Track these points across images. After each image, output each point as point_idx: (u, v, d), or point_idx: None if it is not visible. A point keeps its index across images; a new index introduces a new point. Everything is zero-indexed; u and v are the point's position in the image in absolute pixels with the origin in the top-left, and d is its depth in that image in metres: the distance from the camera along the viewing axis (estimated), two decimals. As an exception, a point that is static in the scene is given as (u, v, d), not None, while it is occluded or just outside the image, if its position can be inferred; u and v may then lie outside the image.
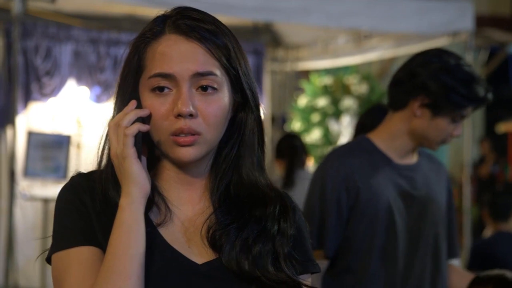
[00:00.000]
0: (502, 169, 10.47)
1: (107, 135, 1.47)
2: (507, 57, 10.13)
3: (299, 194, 3.14)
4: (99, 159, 1.49)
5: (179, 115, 1.42)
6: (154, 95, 1.44)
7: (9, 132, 6.25)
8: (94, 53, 6.95)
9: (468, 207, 6.68)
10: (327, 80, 8.45)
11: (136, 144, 1.42)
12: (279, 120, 8.54)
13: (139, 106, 1.45)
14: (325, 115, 8.27)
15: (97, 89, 6.99)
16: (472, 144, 8.10)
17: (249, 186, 1.49)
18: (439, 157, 3.37)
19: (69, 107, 6.96)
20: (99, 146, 1.49)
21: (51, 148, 6.90)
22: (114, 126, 1.43)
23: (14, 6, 5.43)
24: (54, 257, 1.43)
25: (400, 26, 6.27)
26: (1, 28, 6.58)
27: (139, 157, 1.42)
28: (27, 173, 6.80)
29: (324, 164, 2.71)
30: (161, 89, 1.44)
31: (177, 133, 1.42)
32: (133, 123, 1.42)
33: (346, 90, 8.33)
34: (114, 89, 1.50)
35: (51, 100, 6.89)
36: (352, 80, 8.39)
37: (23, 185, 6.68)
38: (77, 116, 6.99)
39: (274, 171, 6.13)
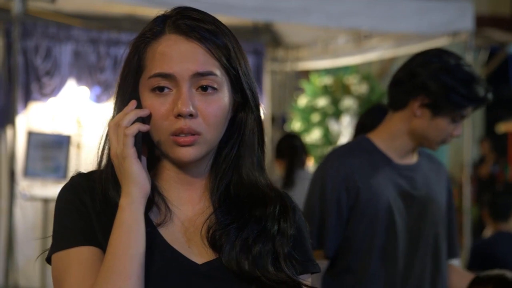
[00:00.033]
0: (502, 169, 10.47)
1: (107, 135, 1.47)
2: (507, 57, 10.13)
3: (299, 194, 3.14)
4: (99, 159, 1.48)
5: (179, 115, 1.42)
6: (154, 95, 1.44)
7: (9, 132, 6.26)
8: (94, 53, 6.95)
9: (468, 207, 6.68)
10: (327, 80, 8.45)
11: (136, 144, 1.42)
12: (279, 120, 8.54)
13: (139, 106, 1.45)
14: (325, 115, 8.27)
15: (97, 89, 6.99)
16: (472, 144, 8.10)
17: (249, 186, 1.49)
18: (439, 157, 3.37)
19: (69, 107, 6.96)
20: (99, 146, 1.49)
21: (51, 148, 6.90)
22: (114, 126, 1.43)
23: (14, 6, 5.43)
24: (54, 257, 1.43)
25: (400, 26, 6.27)
26: (1, 28, 6.58)
27: (139, 157, 1.42)
28: (27, 173, 6.81)
29: (324, 164, 2.71)
30: (161, 89, 1.44)
31: (177, 133, 1.42)
32: (133, 123, 1.42)
33: (346, 90, 8.34)
34: (114, 89, 1.50)
35: (51, 100, 6.89)
36: (352, 80, 8.39)
37: (23, 185, 6.68)
38: (77, 116, 6.99)
39: (274, 171, 6.13)
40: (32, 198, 6.80)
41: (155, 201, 1.47)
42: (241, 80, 1.48)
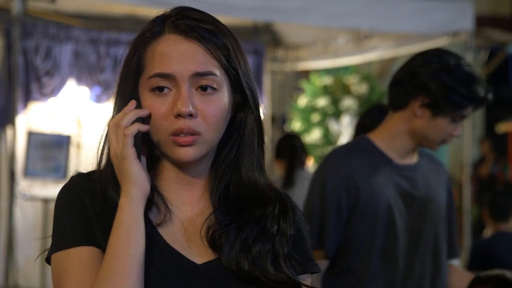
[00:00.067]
0: (502, 169, 10.47)
1: (106, 135, 1.47)
2: (507, 57, 10.13)
3: (299, 194, 3.15)
4: (99, 159, 1.48)
5: (179, 115, 1.42)
6: (153, 95, 1.44)
7: (9, 132, 6.25)
8: (94, 53, 6.95)
9: (468, 207, 6.68)
10: (327, 80, 8.45)
11: (135, 144, 1.41)
12: (279, 120, 8.54)
13: (138, 106, 1.45)
14: (325, 115, 8.27)
15: (97, 89, 6.99)
16: (472, 144, 8.09)
17: (248, 186, 1.49)
18: (439, 157, 3.37)
19: (69, 107, 6.95)
20: (99, 146, 1.49)
21: (51, 148, 6.90)
22: (113, 126, 1.43)
23: (14, 6, 5.43)
24: (54, 257, 1.43)
25: (400, 26, 6.27)
26: (1, 28, 6.58)
27: (139, 157, 1.42)
28: (27, 173, 6.80)
29: (324, 164, 2.71)
30: (160, 89, 1.43)
31: (176, 133, 1.42)
32: (132, 123, 1.42)
33: (346, 90, 8.33)
34: (114, 89, 1.50)
35: (51, 100, 6.89)
36: (352, 80, 8.39)
37: (23, 185, 6.68)
38: (77, 116, 6.99)
39: (274, 171, 6.13)
40: (32, 198, 6.80)
41: (154, 201, 1.47)
42: (241, 80, 1.48)
